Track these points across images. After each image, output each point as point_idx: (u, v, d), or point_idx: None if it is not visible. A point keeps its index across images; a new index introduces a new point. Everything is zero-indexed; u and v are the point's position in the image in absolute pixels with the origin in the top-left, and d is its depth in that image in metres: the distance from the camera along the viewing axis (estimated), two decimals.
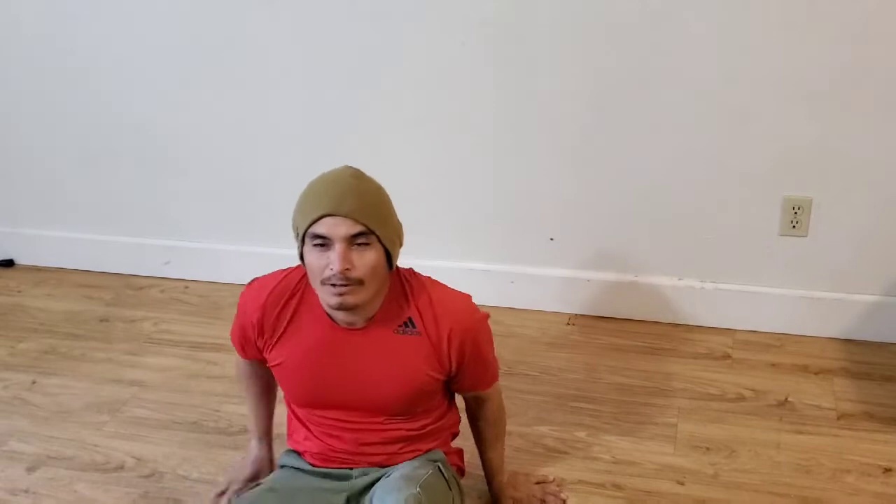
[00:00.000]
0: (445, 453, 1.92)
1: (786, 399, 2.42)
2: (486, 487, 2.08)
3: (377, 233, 1.65)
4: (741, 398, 2.43)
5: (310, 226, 1.65)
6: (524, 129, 2.67)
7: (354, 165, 1.78)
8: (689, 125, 2.55)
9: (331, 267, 1.63)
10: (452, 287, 1.84)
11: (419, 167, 2.80)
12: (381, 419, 1.83)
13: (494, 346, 1.89)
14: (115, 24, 2.84)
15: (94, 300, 3.09)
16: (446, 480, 1.84)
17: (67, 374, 2.67)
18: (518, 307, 2.89)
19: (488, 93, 2.65)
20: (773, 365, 2.57)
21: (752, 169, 2.55)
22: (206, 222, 3.10)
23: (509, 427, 2.07)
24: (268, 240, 2.96)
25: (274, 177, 2.92)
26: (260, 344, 1.84)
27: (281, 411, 2.03)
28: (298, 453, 1.92)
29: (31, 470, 2.28)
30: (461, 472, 2.00)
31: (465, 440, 2.05)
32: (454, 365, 1.79)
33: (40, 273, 3.29)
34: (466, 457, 2.05)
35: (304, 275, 1.78)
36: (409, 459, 1.86)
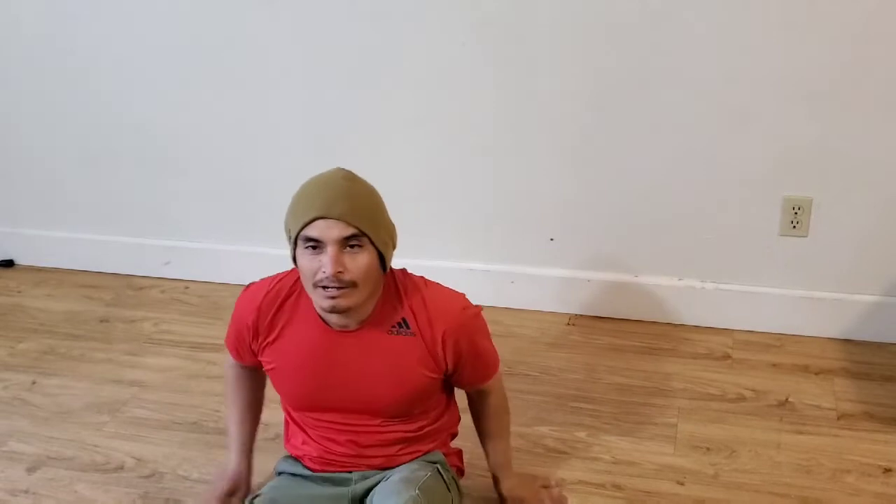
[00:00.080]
0: (444, 454, 1.91)
1: (786, 399, 2.42)
2: (485, 486, 2.08)
3: (369, 235, 1.65)
4: (741, 398, 2.43)
5: (302, 229, 1.64)
6: (524, 129, 2.67)
7: (355, 165, 1.78)
8: (689, 125, 2.55)
9: (323, 270, 1.63)
10: (448, 287, 1.84)
11: (419, 167, 2.80)
12: (378, 421, 1.83)
13: (493, 341, 1.88)
14: (115, 24, 2.84)
15: (94, 300, 3.09)
16: (445, 482, 1.84)
17: (67, 375, 2.67)
18: (518, 307, 2.89)
19: (488, 93, 2.65)
20: (774, 365, 2.57)
21: (752, 169, 2.55)
22: (206, 222, 3.10)
23: None
24: (268, 240, 2.96)
25: (274, 177, 2.92)
26: (255, 347, 1.84)
27: (279, 416, 2.02)
28: (297, 458, 1.91)
29: (31, 470, 2.28)
30: (460, 472, 2.00)
31: (464, 440, 2.05)
32: (450, 364, 1.79)
33: (40, 273, 3.29)
34: (466, 457, 2.05)
35: (298, 279, 1.78)
36: (409, 461, 1.85)
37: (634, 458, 2.22)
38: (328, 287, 1.64)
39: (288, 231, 1.70)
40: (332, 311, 1.68)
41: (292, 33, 2.72)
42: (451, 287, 1.84)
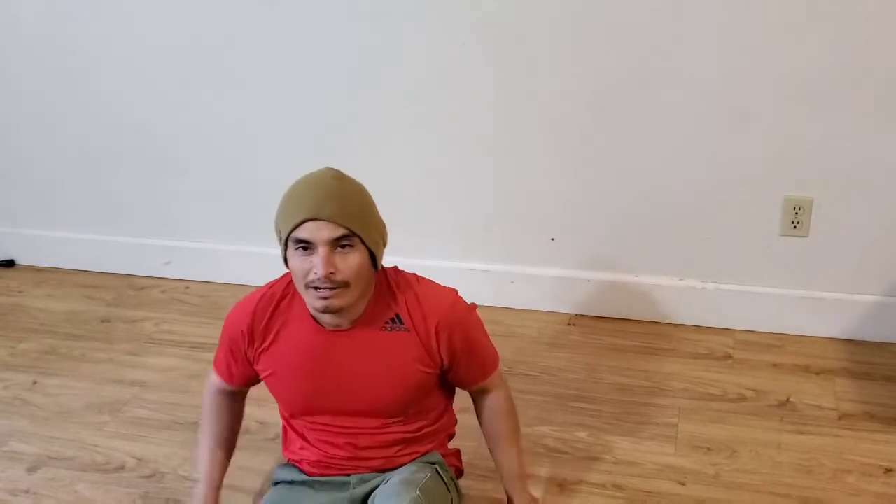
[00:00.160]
0: (443, 454, 1.91)
1: (787, 399, 2.42)
2: (485, 486, 2.08)
3: (360, 235, 1.65)
4: (742, 398, 2.43)
5: (292, 230, 1.64)
6: (524, 129, 2.67)
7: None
8: (689, 125, 2.55)
9: (315, 271, 1.63)
10: (447, 285, 1.83)
11: (419, 167, 2.80)
12: (376, 423, 1.82)
13: (490, 338, 1.88)
14: (115, 24, 2.84)
15: (94, 300, 3.09)
16: (445, 483, 1.83)
17: (68, 375, 2.67)
18: (518, 307, 2.89)
19: (488, 93, 2.65)
20: (774, 365, 2.57)
21: (752, 169, 2.55)
22: (206, 222, 3.10)
23: None
24: (268, 240, 2.91)
25: (274, 177, 2.88)
26: (250, 355, 1.82)
27: (278, 415, 2.02)
28: (294, 464, 1.91)
29: (31, 470, 2.28)
30: (459, 472, 1.99)
31: (463, 440, 2.04)
32: (445, 358, 1.78)
33: (41, 273, 3.29)
34: (465, 457, 2.04)
35: (290, 282, 1.78)
36: (407, 462, 1.85)
37: (635, 458, 2.22)
38: (320, 288, 1.64)
39: (278, 232, 1.70)
40: (325, 311, 1.68)
41: (292, 33, 2.72)
42: (445, 285, 1.84)
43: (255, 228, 3.02)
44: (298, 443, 1.88)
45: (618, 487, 2.13)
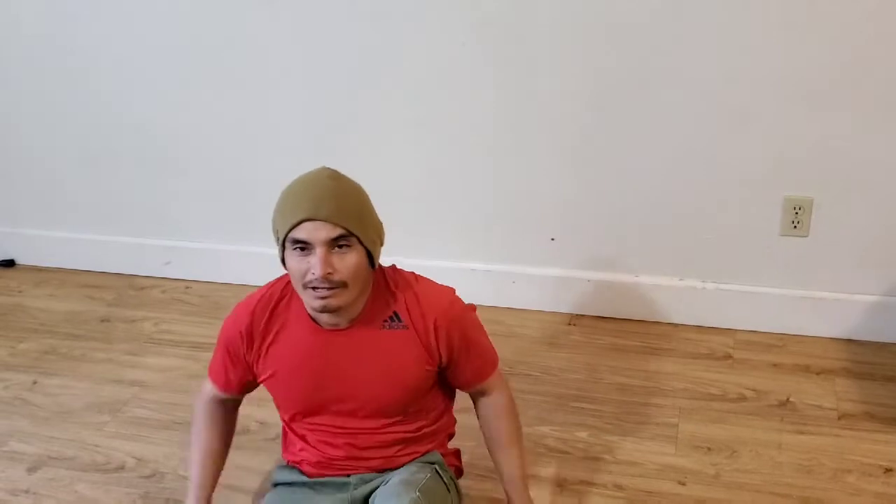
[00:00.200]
0: (443, 454, 1.91)
1: (787, 399, 2.42)
2: (485, 486, 2.08)
3: (357, 234, 1.65)
4: (742, 398, 2.43)
5: (289, 231, 1.64)
6: (524, 129, 2.67)
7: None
8: (689, 125, 2.54)
9: (312, 271, 1.63)
10: (448, 285, 1.84)
11: (419, 167, 2.80)
12: (376, 423, 1.82)
13: (489, 339, 1.87)
14: (115, 24, 2.84)
15: (95, 300, 3.09)
16: (445, 483, 1.83)
17: (68, 375, 2.67)
18: (518, 307, 2.89)
19: (488, 93, 2.65)
20: (775, 365, 2.57)
21: (752, 169, 2.55)
22: (206, 222, 3.10)
23: None
24: (268, 240, 2.90)
25: (274, 177, 2.88)
26: (250, 358, 1.81)
27: (277, 421, 2.02)
28: (294, 465, 1.90)
29: (31, 470, 2.28)
30: (459, 472, 1.99)
31: (463, 440, 2.04)
32: (444, 355, 1.78)
33: (41, 273, 3.29)
34: (465, 457, 2.04)
35: (288, 283, 1.78)
36: (407, 462, 1.85)
37: (636, 458, 2.22)
38: (318, 288, 1.64)
39: (275, 233, 1.70)
40: (323, 310, 1.68)
41: (292, 33, 2.72)
42: (445, 284, 1.84)
43: (256, 228, 3.01)
44: (299, 444, 1.88)
45: (618, 487, 2.13)
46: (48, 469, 2.28)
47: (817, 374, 2.52)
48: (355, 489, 1.83)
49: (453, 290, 1.82)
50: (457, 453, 1.99)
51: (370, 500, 1.78)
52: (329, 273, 1.62)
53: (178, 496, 2.15)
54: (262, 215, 2.98)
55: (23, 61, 2.98)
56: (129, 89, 2.93)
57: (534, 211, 2.77)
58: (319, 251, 1.62)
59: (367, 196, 1.71)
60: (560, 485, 2.14)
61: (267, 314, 1.78)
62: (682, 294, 2.75)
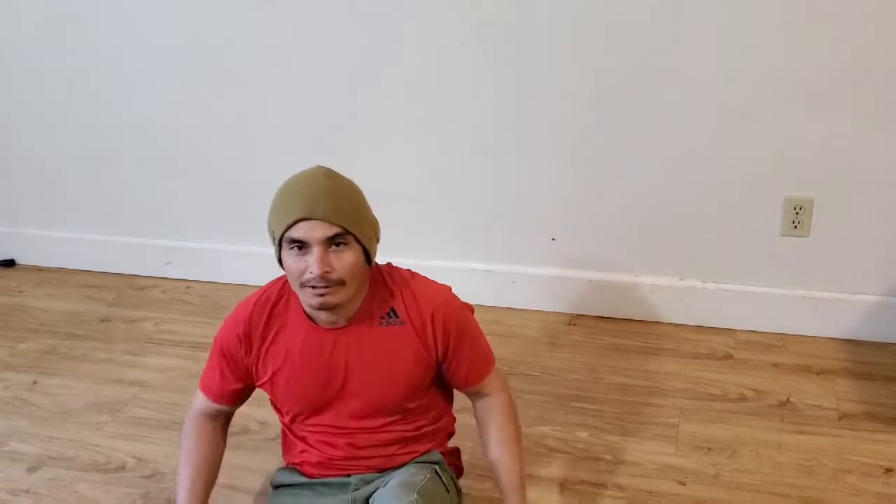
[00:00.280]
0: (443, 453, 1.91)
1: (787, 399, 2.42)
2: (485, 486, 2.08)
3: (353, 232, 1.65)
4: (743, 398, 2.43)
5: (286, 230, 1.64)
6: (524, 129, 2.67)
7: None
8: (689, 125, 2.54)
9: (310, 270, 1.63)
10: (447, 284, 1.84)
11: (419, 167, 2.80)
12: (375, 421, 1.82)
13: (487, 340, 1.87)
14: (115, 24, 2.84)
15: (95, 300, 3.09)
16: (444, 484, 1.83)
17: (68, 375, 2.67)
18: (519, 307, 2.89)
19: (488, 93, 2.65)
20: (775, 365, 2.57)
21: (752, 169, 2.55)
22: (206, 222, 3.10)
23: None
24: (268, 240, 2.96)
25: (274, 177, 2.88)
26: (249, 361, 1.81)
27: (277, 420, 2.02)
28: (295, 466, 1.90)
29: (31, 470, 2.28)
30: (459, 471, 1.99)
31: (463, 440, 2.04)
32: (440, 350, 1.78)
33: (41, 273, 3.29)
34: (465, 457, 2.04)
35: (284, 284, 1.78)
36: (407, 461, 1.85)
37: (636, 458, 2.22)
38: (316, 286, 1.64)
39: (271, 233, 1.70)
40: (321, 308, 1.68)
41: (292, 33, 2.72)
42: (443, 284, 1.84)
43: (256, 228, 3.00)
44: (300, 446, 1.88)
45: (618, 487, 2.13)
46: (48, 469, 2.28)
47: (817, 374, 2.52)
48: (356, 490, 1.82)
49: (450, 288, 1.83)
50: (457, 453, 1.99)
51: (370, 502, 1.78)
52: (327, 272, 1.63)
53: None
54: (262, 215, 2.96)
55: (23, 61, 2.98)
56: (129, 89, 2.93)
57: (534, 211, 2.77)
58: (316, 250, 1.62)
59: (361, 194, 1.72)
60: (560, 485, 2.14)
61: (265, 316, 1.78)
62: (682, 294, 2.75)
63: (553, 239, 2.79)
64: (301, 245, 1.64)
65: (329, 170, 1.70)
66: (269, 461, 2.22)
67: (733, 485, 2.13)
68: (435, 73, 2.66)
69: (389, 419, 1.82)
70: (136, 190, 3.10)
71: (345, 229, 1.64)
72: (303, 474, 1.88)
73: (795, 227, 2.58)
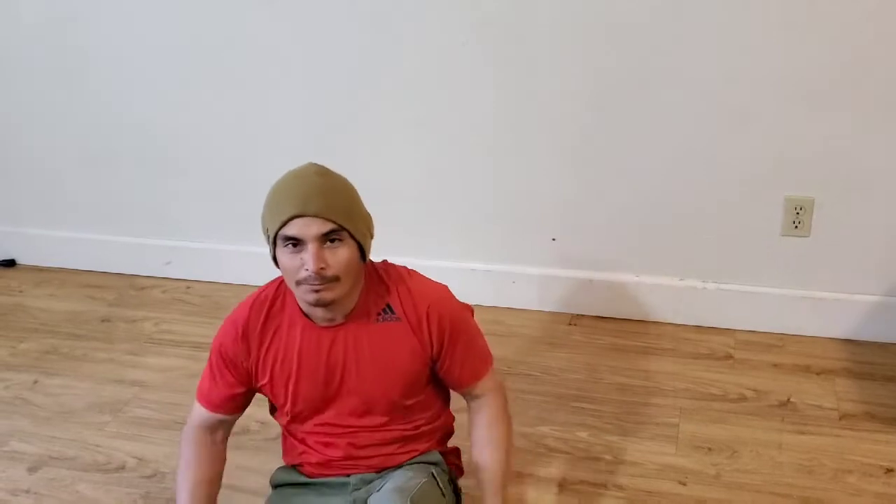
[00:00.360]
0: (442, 453, 1.91)
1: (788, 399, 2.42)
2: None
3: (348, 228, 1.65)
4: (743, 398, 2.43)
5: (280, 228, 1.64)
6: (524, 129, 2.67)
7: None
8: (689, 125, 2.54)
9: (305, 268, 1.63)
10: (446, 284, 1.84)
11: (419, 167, 2.80)
12: (374, 420, 1.82)
13: (485, 340, 1.87)
14: (114, 23, 2.84)
15: (96, 300, 3.09)
16: (441, 487, 1.81)
17: (69, 375, 2.67)
18: (519, 307, 2.89)
19: (488, 93, 2.65)
20: (775, 365, 2.57)
21: (752, 169, 2.55)
22: (206, 222, 3.10)
23: None
24: None
25: (274, 177, 2.89)
26: (248, 364, 1.80)
27: (276, 424, 2.02)
28: (294, 466, 1.90)
29: (32, 470, 2.28)
30: (459, 471, 1.99)
31: (463, 440, 2.04)
32: (435, 347, 1.78)
33: (42, 273, 3.29)
34: (465, 457, 2.04)
35: (280, 284, 1.78)
36: (406, 461, 1.85)
37: (636, 458, 2.22)
38: (312, 283, 1.64)
39: (265, 230, 1.70)
40: (317, 304, 1.68)
41: (292, 33, 2.72)
42: (441, 283, 1.84)
43: (256, 228, 2.98)
44: (299, 448, 1.88)
45: (619, 487, 2.13)
46: (49, 469, 2.28)
47: (818, 374, 2.52)
48: (356, 490, 1.82)
49: (447, 287, 1.83)
50: (457, 452, 1.99)
51: None
52: (322, 268, 1.63)
53: None
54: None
55: (23, 61, 2.98)
56: (129, 89, 2.93)
57: (534, 211, 2.77)
58: (311, 247, 1.63)
59: (355, 190, 1.72)
60: (560, 485, 2.14)
61: (262, 317, 1.78)
62: (682, 294, 2.75)
63: (553, 239, 2.80)
64: (296, 242, 1.64)
65: (321, 166, 1.70)
66: (269, 461, 2.22)
67: (734, 485, 2.13)
68: (435, 73, 2.66)
69: (388, 417, 1.82)
70: (137, 190, 3.10)
71: (339, 225, 1.64)
72: (303, 474, 1.88)
73: (796, 227, 2.58)
